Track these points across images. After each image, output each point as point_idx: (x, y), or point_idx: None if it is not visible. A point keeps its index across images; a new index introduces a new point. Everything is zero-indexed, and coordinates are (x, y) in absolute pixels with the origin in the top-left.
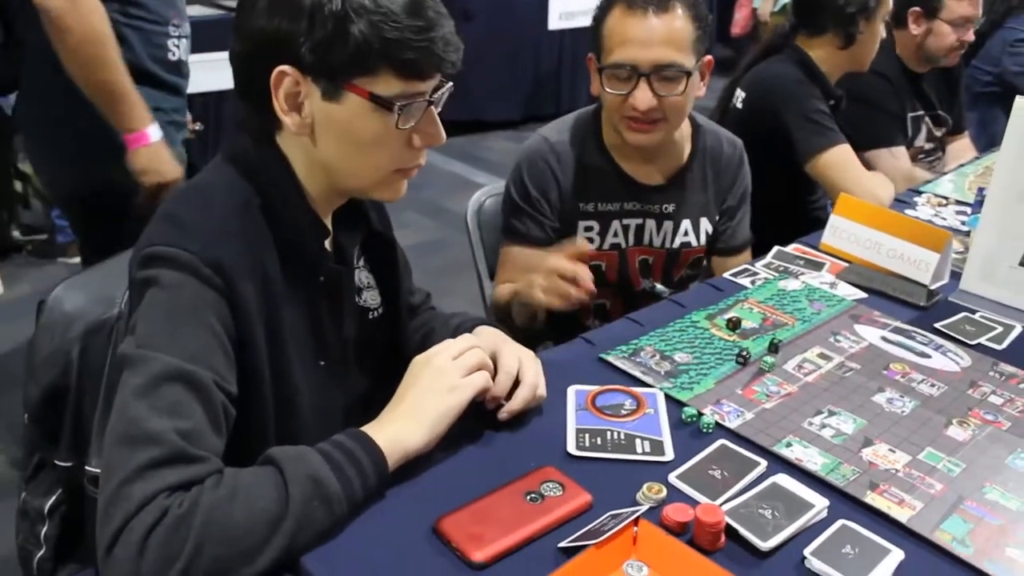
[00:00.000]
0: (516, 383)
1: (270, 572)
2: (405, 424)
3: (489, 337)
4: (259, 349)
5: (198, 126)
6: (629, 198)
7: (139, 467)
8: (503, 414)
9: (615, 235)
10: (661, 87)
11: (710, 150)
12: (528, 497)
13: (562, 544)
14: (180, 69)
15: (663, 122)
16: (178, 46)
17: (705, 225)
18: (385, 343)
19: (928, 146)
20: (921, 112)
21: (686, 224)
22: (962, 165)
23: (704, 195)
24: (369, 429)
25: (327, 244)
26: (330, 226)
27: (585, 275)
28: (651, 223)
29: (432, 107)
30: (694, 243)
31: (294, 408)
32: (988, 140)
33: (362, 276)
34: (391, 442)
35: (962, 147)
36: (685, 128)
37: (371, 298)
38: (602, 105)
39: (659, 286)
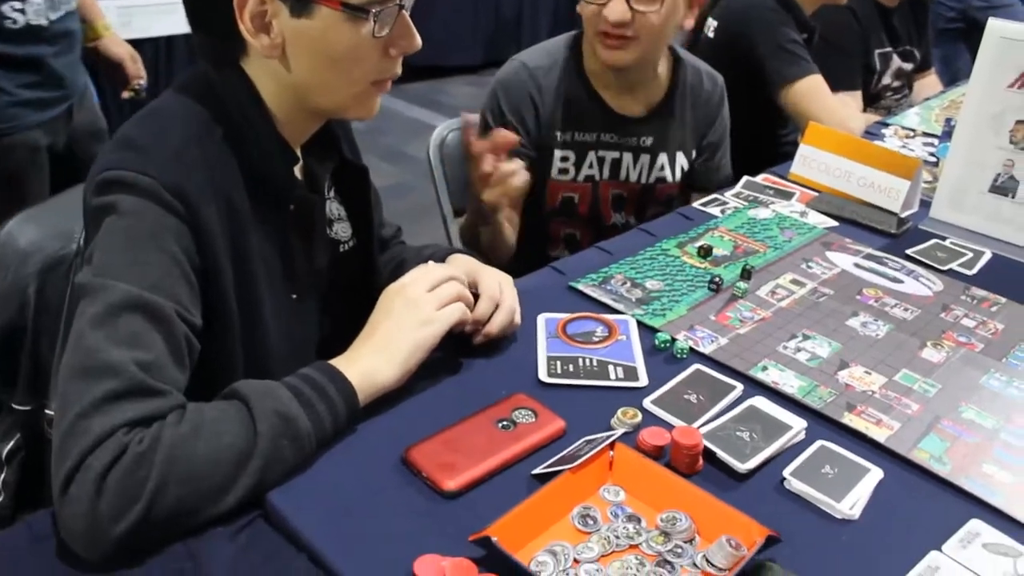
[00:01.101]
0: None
1: (235, 509)
2: (377, 359)
3: (465, 264)
4: (225, 280)
5: (139, 84)
6: (607, 129)
7: (96, 400)
8: (479, 338)
9: (590, 166)
10: (638, 2)
11: (691, 84)
12: (500, 424)
13: (536, 471)
14: (37, 35)
15: (635, 41)
16: (23, 10)
17: (681, 160)
18: (357, 277)
19: (896, 83)
20: (890, 48)
21: (663, 158)
22: (928, 99)
23: (683, 130)
24: (340, 363)
25: (297, 172)
26: (300, 155)
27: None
28: (628, 156)
29: (403, 12)
30: (669, 178)
31: (263, 342)
32: (951, 76)
33: (333, 207)
34: (363, 378)
35: (929, 83)
36: (666, 61)
37: (342, 230)
38: (583, 29)
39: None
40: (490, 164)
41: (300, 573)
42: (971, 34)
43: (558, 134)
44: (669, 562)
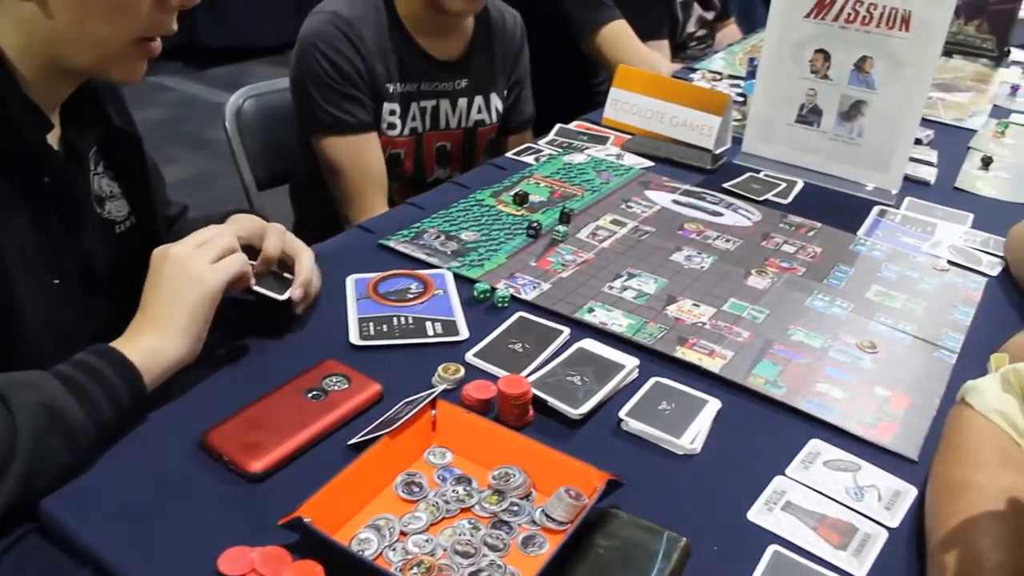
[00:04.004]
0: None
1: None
2: (158, 332)
3: (246, 223)
4: None
5: None
6: (426, 77)
7: None
8: (256, 287)
9: (413, 119)
10: None
11: (495, 22)
12: (309, 395)
13: (352, 440)
14: None
15: None
16: None
17: (495, 102)
18: (138, 261)
19: (700, 32)
20: None
21: (479, 101)
22: (731, 45)
23: (493, 69)
24: (118, 344)
25: (53, 141)
26: (57, 122)
27: None
28: (445, 103)
29: None
30: (487, 120)
31: (20, 333)
32: (750, 27)
33: (103, 184)
34: (146, 356)
35: (730, 32)
36: None
37: (116, 209)
38: None
39: None
40: None
41: None
42: None
43: (388, 86)
44: (506, 522)
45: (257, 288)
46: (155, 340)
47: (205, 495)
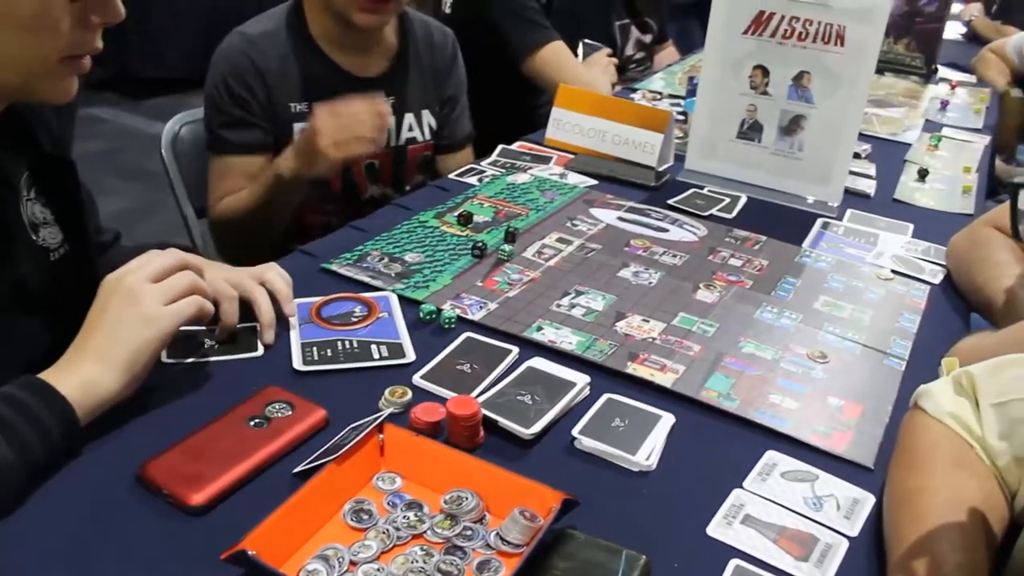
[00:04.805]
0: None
1: None
2: (96, 365)
3: (194, 258)
4: None
5: None
6: (345, 95)
7: None
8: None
9: None
10: None
11: (422, 38)
12: (252, 423)
13: (298, 468)
14: None
15: (395, 1)
16: None
17: (428, 118)
18: (73, 289)
19: (638, 55)
20: (628, 20)
21: (409, 119)
22: (670, 66)
23: (423, 85)
24: (51, 375)
25: None
26: None
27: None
28: None
29: None
30: (420, 138)
31: None
32: (688, 49)
33: (36, 210)
34: (81, 390)
35: (669, 54)
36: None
37: (50, 236)
38: None
39: None
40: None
41: None
42: (702, 10)
43: (293, 106)
44: (459, 547)
45: (230, 357)
46: (92, 372)
47: (144, 530)
